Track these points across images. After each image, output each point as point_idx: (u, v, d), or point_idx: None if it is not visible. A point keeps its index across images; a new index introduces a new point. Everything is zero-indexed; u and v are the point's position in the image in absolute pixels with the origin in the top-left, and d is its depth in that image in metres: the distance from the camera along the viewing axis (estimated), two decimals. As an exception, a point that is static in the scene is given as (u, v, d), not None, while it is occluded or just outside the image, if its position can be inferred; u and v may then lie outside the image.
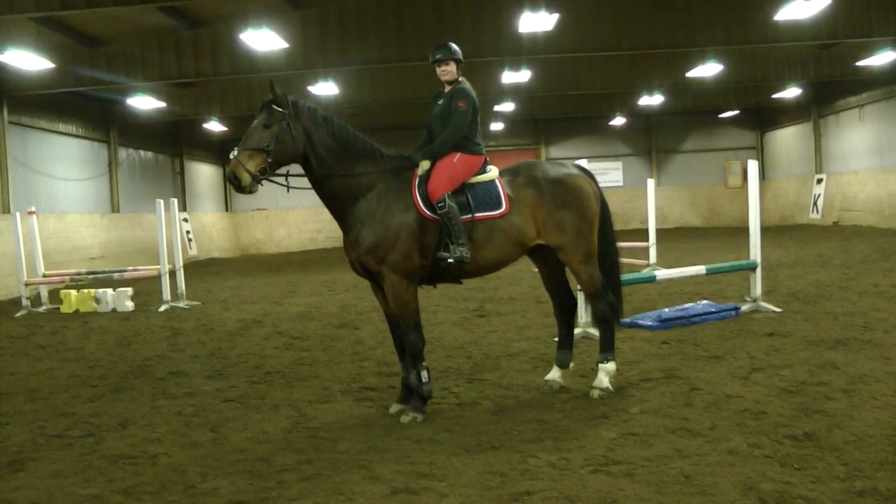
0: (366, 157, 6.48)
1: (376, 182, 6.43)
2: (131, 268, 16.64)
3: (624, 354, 8.20)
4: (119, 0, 14.41)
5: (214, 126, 30.24)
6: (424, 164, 6.57)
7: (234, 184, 6.09)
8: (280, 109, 6.18)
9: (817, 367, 7.25)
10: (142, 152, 29.48)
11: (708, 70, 24.25)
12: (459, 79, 6.81)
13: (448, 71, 6.75)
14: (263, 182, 6.18)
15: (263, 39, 16.95)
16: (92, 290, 15.21)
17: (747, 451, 5.07)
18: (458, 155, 6.62)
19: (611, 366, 6.89)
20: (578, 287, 8.13)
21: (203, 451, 5.78)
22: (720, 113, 35.68)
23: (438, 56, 6.75)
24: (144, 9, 16.53)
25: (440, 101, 6.83)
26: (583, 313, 9.37)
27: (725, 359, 7.84)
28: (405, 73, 24.39)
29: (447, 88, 6.82)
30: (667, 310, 10.30)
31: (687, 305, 10.53)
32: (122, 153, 27.75)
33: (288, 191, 6.69)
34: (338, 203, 6.43)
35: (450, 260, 6.32)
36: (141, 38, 19.23)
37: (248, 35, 16.60)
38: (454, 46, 6.80)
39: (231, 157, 6.19)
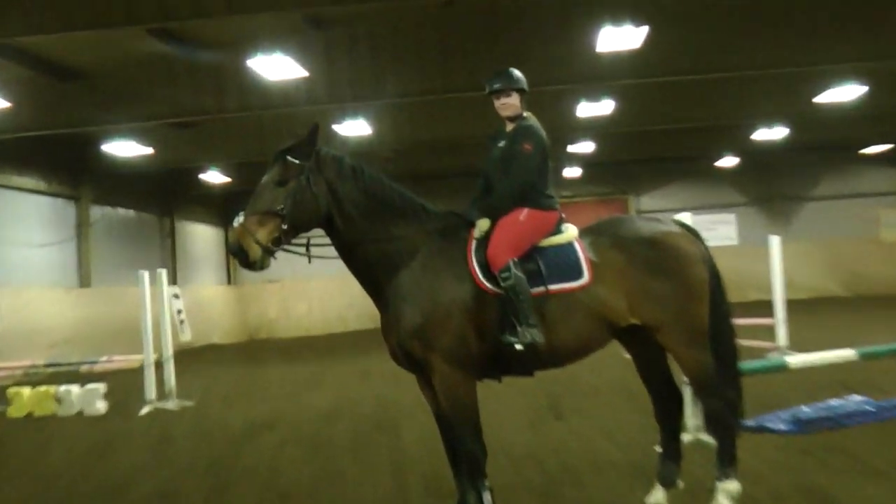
0: (406, 216, 6.54)
1: (420, 246, 6.49)
2: (105, 357, 16.74)
3: (749, 468, 8.00)
4: (99, 21, 14.79)
5: (215, 177, 30.82)
6: (483, 224, 6.59)
7: (241, 258, 6.16)
8: (297, 162, 6.28)
9: None
10: (121, 210, 30.04)
11: (845, 93, 24.10)
12: (524, 114, 6.87)
13: (509, 104, 6.82)
14: (277, 254, 6.25)
15: (277, 67, 17.33)
16: (51, 387, 15.21)
17: None
18: (525, 211, 6.64)
19: (733, 485, 6.74)
20: (685, 378, 8.01)
21: None
22: (862, 148, 35.35)
23: (497, 85, 6.83)
24: (132, 34, 16.93)
25: (500, 143, 6.87)
26: (692, 413, 9.21)
27: (890, 475, 7.61)
28: (453, 108, 24.57)
29: (508, 126, 6.87)
30: (805, 408, 10.09)
31: (833, 402, 10.29)
32: (96, 211, 28.24)
33: (309, 261, 6.74)
34: (372, 274, 6.47)
35: (517, 346, 6.29)
36: (128, 68, 19.70)
37: (259, 62, 17.00)
38: (516, 73, 6.88)
39: (235, 223, 6.24)
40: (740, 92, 25.34)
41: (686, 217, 8.93)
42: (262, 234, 6.14)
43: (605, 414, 11.32)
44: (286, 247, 6.34)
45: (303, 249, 6.55)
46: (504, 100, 6.83)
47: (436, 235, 6.56)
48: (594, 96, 22.88)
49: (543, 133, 6.78)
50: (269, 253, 6.17)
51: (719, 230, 36.74)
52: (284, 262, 6.73)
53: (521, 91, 6.86)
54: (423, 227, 6.56)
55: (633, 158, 35.17)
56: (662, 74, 19.43)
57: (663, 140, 31.60)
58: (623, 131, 27.76)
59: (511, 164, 6.70)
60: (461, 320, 6.30)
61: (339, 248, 6.49)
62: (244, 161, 27.56)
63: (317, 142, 6.39)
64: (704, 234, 7.34)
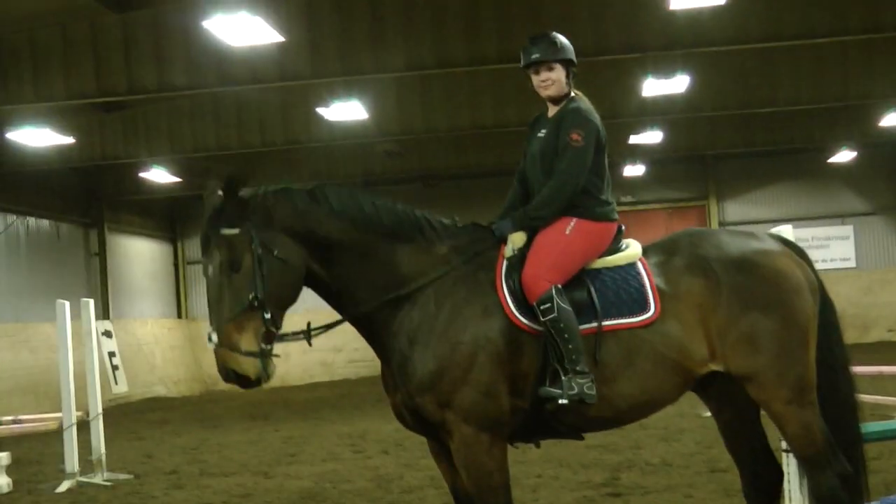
0: (406, 237, 6.56)
1: (430, 273, 6.52)
2: (8, 417, 16.77)
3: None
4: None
5: (159, 175, 30.95)
6: (517, 239, 6.61)
7: (242, 383, 6.18)
8: (237, 231, 6.19)
9: None
10: (31, 220, 30.03)
11: None
12: (572, 93, 6.89)
13: (552, 80, 6.83)
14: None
15: (243, 29, 17.28)
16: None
17: None
18: (573, 222, 6.66)
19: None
20: (784, 445, 8.00)
21: None
22: None
23: (535, 56, 6.83)
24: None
25: (541, 132, 6.89)
26: (796, 490, 9.18)
27: None
28: (480, 85, 24.59)
29: (551, 110, 6.89)
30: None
31: None
32: (-3, 221, 28.21)
33: (310, 344, 6.72)
34: (371, 321, 6.55)
35: (562, 401, 6.29)
36: (36, 27, 19.57)
37: (217, 23, 16.88)
38: (561, 39, 6.88)
39: (209, 344, 6.22)
40: (865, 60, 25.23)
41: (787, 231, 8.89)
42: (249, 341, 6.12)
43: (677, 494, 11.27)
44: (286, 338, 6.36)
45: (301, 334, 6.58)
46: (545, 74, 6.81)
47: (454, 257, 6.59)
48: (665, 69, 22.87)
49: (598, 118, 6.80)
50: (267, 356, 6.17)
51: (833, 248, 36.70)
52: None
53: (567, 63, 6.85)
54: (435, 248, 6.59)
55: (716, 153, 35.24)
56: (756, 39, 19.41)
57: (756, 127, 31.59)
58: (702, 116, 27.81)
59: (556, 159, 6.70)
60: (489, 367, 6.30)
61: (327, 298, 6.56)
62: (197, 155, 27.64)
63: (238, 192, 6.26)
64: (813, 254, 7.35)
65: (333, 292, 6.50)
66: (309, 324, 6.57)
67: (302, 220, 6.36)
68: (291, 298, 6.36)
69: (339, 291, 6.49)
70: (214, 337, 6.12)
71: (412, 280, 6.48)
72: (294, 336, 6.49)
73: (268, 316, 6.15)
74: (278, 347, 6.27)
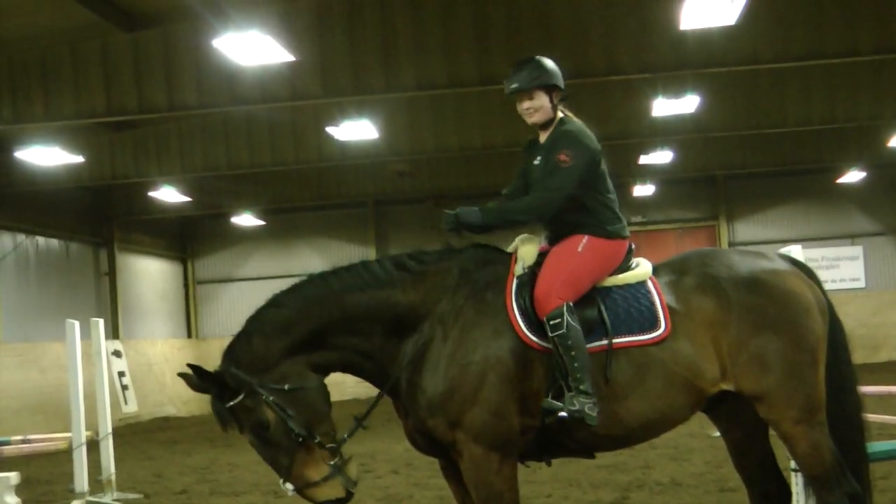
0: (382, 283, 6.66)
1: (432, 300, 6.60)
2: (18, 437, 16.75)
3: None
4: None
5: (169, 195, 30.99)
6: (526, 254, 6.68)
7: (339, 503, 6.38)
8: (238, 399, 6.42)
9: None
10: (41, 239, 30.05)
11: None
12: (559, 115, 6.92)
13: (535, 107, 6.89)
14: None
15: (253, 48, 17.24)
16: (-61, 478, 15.12)
17: None
18: (585, 239, 6.70)
19: None
20: (793, 464, 7.99)
21: None
22: None
23: (514, 85, 6.86)
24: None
25: (537, 160, 6.94)
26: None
27: None
28: (492, 104, 24.47)
29: (543, 136, 6.96)
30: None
31: None
32: (6, 241, 28.27)
33: (365, 428, 6.95)
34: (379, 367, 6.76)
35: (562, 414, 6.30)
36: (47, 45, 19.57)
37: (228, 42, 16.80)
38: (543, 64, 6.90)
39: (291, 493, 6.51)
40: (875, 81, 25.20)
41: (797, 251, 8.90)
42: (319, 470, 6.40)
43: (688, 514, 11.26)
44: (345, 440, 6.60)
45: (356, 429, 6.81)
46: (528, 103, 6.88)
47: (455, 279, 6.64)
48: (675, 89, 22.90)
49: (591, 137, 6.82)
50: (341, 469, 6.43)
51: (842, 268, 36.63)
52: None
53: (550, 89, 6.87)
54: (431, 279, 6.66)
55: (726, 173, 35.19)
56: (767, 60, 19.38)
57: (765, 147, 31.57)
58: (712, 136, 27.78)
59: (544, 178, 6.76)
60: (499, 386, 6.34)
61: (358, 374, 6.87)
62: (207, 174, 27.65)
63: (209, 373, 6.51)
64: (822, 274, 7.35)
65: (362, 365, 6.76)
66: (356, 417, 6.81)
67: (281, 340, 6.50)
68: (326, 408, 6.62)
69: (362, 361, 6.73)
70: (290, 486, 6.43)
71: (409, 313, 6.58)
72: (351, 435, 6.71)
73: (317, 440, 6.38)
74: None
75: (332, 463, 6.37)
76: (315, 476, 6.34)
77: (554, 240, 6.89)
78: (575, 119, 6.94)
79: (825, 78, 24.91)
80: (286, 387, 6.39)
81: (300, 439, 6.33)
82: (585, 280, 6.65)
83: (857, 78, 25.06)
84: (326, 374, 6.74)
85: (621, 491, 12.81)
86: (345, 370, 6.81)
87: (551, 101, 6.89)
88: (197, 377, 6.47)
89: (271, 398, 6.34)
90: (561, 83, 6.90)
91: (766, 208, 37.18)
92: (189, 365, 6.64)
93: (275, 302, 6.65)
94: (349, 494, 6.39)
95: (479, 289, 6.60)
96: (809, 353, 6.69)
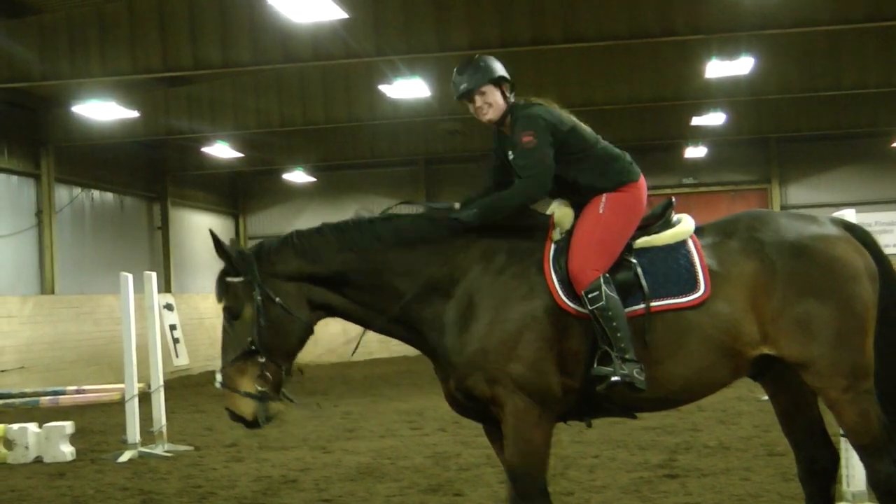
0: (423, 240, 6.68)
1: (469, 263, 6.62)
2: (73, 387, 16.81)
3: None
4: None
5: (222, 150, 31.16)
6: (564, 221, 6.70)
7: (242, 423, 6.54)
8: (237, 279, 6.53)
9: None
10: (96, 193, 30.25)
11: None
12: (510, 102, 6.91)
13: (488, 104, 6.89)
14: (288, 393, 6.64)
15: (306, 5, 17.13)
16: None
17: None
18: (604, 198, 6.70)
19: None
20: (842, 432, 7.94)
21: None
22: None
23: (464, 86, 6.89)
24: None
25: (511, 155, 6.90)
26: (853, 476, 9.10)
27: None
28: (542, 64, 24.34)
29: (506, 128, 6.94)
30: None
31: None
32: (62, 194, 28.41)
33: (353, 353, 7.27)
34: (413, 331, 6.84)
35: (614, 378, 6.31)
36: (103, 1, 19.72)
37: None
38: (483, 61, 6.89)
39: (216, 383, 6.63)
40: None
41: (850, 215, 8.78)
42: (247, 384, 6.46)
43: (734, 477, 11.20)
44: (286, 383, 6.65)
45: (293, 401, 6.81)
46: (479, 101, 6.90)
47: (493, 242, 6.67)
48: (729, 51, 22.70)
49: (543, 108, 6.83)
50: (265, 399, 6.46)
51: (896, 233, 36.24)
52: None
53: (497, 81, 6.87)
54: (469, 242, 6.67)
55: (779, 136, 34.94)
56: (823, 22, 19.17)
57: (820, 110, 31.27)
58: (766, 99, 27.53)
59: (516, 161, 6.77)
60: (535, 344, 6.38)
61: (356, 320, 6.91)
62: (260, 131, 27.71)
63: (223, 246, 6.62)
64: (880, 239, 7.22)
65: (360, 315, 6.82)
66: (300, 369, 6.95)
67: (299, 261, 6.61)
68: (295, 345, 6.67)
69: (363, 312, 6.80)
70: (219, 378, 6.53)
71: (445, 278, 6.61)
72: (295, 400, 6.79)
73: (263, 361, 6.43)
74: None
75: (259, 388, 6.42)
76: (241, 387, 6.43)
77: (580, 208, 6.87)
78: (525, 100, 6.93)
79: (882, 41, 24.62)
80: (278, 300, 6.47)
81: (252, 347, 6.42)
82: (618, 242, 6.64)
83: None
84: (319, 318, 6.81)
85: (669, 453, 12.82)
86: (346, 317, 6.92)
87: (503, 94, 6.89)
88: (214, 244, 6.63)
89: (259, 298, 6.44)
90: (507, 74, 6.91)
91: (819, 172, 36.87)
92: (210, 231, 6.92)
93: (320, 230, 6.75)
94: (255, 423, 6.48)
95: (518, 253, 6.61)
96: (856, 321, 6.61)
